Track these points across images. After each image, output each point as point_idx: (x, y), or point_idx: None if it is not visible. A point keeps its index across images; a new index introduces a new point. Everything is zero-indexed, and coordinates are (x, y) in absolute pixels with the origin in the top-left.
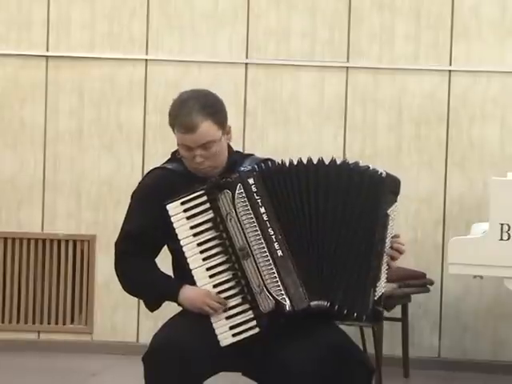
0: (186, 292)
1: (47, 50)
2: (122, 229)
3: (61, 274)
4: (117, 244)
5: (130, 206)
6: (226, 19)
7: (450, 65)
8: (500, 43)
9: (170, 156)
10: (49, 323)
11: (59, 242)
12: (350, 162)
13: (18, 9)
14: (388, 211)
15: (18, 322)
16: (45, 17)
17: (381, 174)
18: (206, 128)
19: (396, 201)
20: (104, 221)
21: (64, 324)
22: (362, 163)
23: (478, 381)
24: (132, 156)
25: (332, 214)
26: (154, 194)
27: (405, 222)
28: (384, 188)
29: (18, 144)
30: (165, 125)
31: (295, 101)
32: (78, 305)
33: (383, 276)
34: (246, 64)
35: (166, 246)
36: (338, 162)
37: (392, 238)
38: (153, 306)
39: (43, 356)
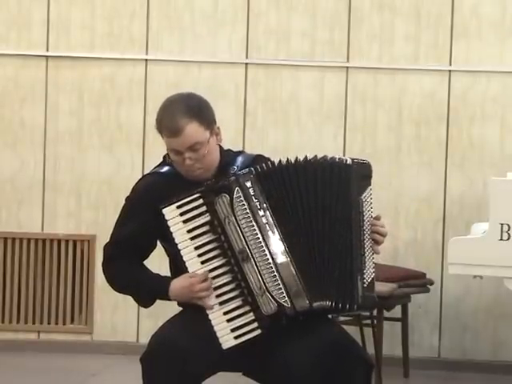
0: (174, 287)
1: (47, 50)
2: (111, 234)
3: (61, 274)
4: (105, 248)
5: (120, 212)
6: (226, 19)
7: (450, 65)
8: (500, 43)
9: (162, 159)
10: (49, 323)
11: (59, 241)
12: (329, 157)
13: (18, 9)
14: (362, 196)
15: (18, 322)
16: (45, 17)
17: (346, 161)
18: (192, 130)
19: (370, 184)
20: (104, 221)
21: (64, 324)
22: (338, 157)
23: (478, 381)
24: (132, 156)
25: (321, 211)
26: (144, 201)
27: (405, 221)
28: (351, 174)
29: (17, 144)
30: None
31: (295, 101)
32: (78, 305)
33: (369, 262)
34: (246, 64)
35: (163, 250)
36: (319, 158)
37: (373, 221)
38: (145, 304)
39: (43, 356)
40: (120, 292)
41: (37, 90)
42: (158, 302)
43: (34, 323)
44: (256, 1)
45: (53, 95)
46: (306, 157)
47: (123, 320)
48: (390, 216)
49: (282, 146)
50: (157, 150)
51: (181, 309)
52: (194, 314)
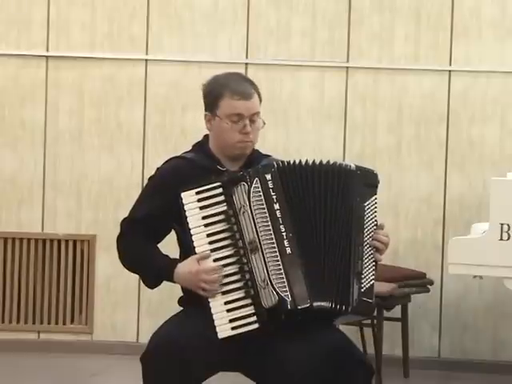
0: (180, 270)
1: (47, 50)
2: (130, 210)
3: (61, 274)
4: (122, 223)
5: (142, 190)
6: (226, 19)
7: (450, 65)
8: (500, 43)
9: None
10: (49, 323)
11: (59, 241)
12: (338, 163)
13: (18, 9)
14: (365, 203)
15: (18, 322)
16: (45, 17)
17: (350, 167)
18: (256, 99)
19: (375, 194)
20: (104, 221)
21: (64, 324)
22: (345, 163)
23: (478, 381)
24: (132, 156)
25: (329, 213)
26: (165, 183)
27: (405, 221)
28: (353, 180)
29: (18, 144)
30: (165, 124)
31: (295, 101)
32: (78, 305)
33: (369, 268)
34: (246, 64)
35: (176, 239)
36: (331, 163)
37: (376, 229)
38: (151, 284)
39: (43, 356)
40: (129, 269)
41: (37, 90)
42: (156, 301)
43: (34, 323)
44: (256, 1)
45: (53, 95)
46: (321, 161)
47: (123, 320)
48: (390, 216)
49: (282, 146)
50: (157, 150)
51: (181, 308)
52: (193, 313)
